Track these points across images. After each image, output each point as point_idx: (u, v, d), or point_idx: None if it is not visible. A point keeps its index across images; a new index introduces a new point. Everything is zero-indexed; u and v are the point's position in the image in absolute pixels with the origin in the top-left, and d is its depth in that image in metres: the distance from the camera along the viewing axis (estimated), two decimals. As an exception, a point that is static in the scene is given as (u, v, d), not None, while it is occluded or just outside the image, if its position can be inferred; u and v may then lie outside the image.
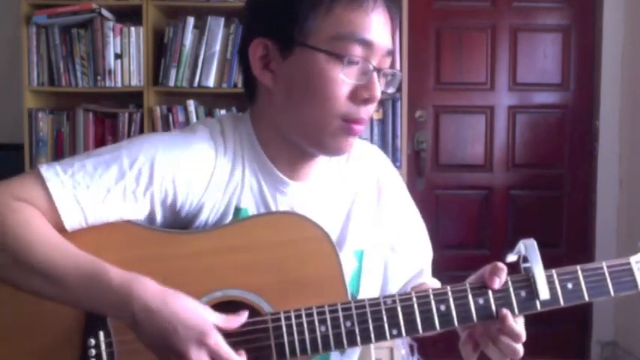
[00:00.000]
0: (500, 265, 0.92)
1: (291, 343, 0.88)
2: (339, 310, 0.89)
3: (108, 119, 2.82)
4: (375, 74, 0.93)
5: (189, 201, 0.96)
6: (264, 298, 0.92)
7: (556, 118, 3.27)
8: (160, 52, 2.77)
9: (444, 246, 3.22)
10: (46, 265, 0.85)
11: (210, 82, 2.74)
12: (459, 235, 3.28)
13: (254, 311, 0.91)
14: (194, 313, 0.84)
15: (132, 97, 2.80)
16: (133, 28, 2.73)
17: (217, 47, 2.73)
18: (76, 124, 2.80)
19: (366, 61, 0.93)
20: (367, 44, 0.92)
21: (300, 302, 0.90)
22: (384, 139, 2.82)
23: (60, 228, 0.89)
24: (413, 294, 0.90)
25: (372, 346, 1.12)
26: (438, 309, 0.89)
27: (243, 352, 0.86)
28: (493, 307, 0.90)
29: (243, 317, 0.88)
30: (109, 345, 0.90)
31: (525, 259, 0.92)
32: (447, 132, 3.25)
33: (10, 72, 2.92)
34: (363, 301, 0.90)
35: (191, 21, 2.73)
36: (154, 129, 2.75)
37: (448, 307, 0.90)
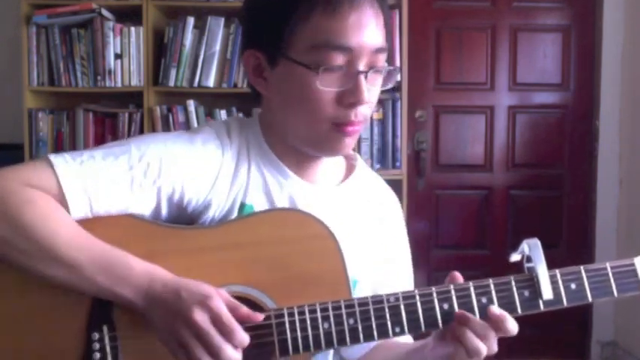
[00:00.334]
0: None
1: (294, 339, 0.88)
2: (342, 307, 0.89)
3: (108, 119, 2.83)
4: (361, 77, 0.93)
5: (195, 198, 0.96)
6: (268, 294, 0.92)
7: (556, 118, 3.27)
8: (160, 52, 2.77)
9: (444, 246, 3.22)
10: (68, 255, 0.86)
11: (210, 82, 2.74)
12: (459, 235, 3.28)
13: (257, 307, 0.91)
14: (203, 285, 0.85)
15: (132, 97, 2.80)
16: (133, 28, 2.73)
17: (217, 47, 2.73)
18: (76, 124, 2.80)
19: (350, 66, 0.93)
20: (347, 50, 0.92)
21: (303, 299, 0.90)
22: (384, 139, 2.83)
23: None
24: (416, 292, 0.90)
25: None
26: (441, 307, 0.89)
27: (246, 333, 0.85)
28: (496, 306, 0.90)
29: (254, 317, 0.87)
30: (113, 339, 0.89)
31: (529, 259, 0.92)
32: (447, 132, 3.25)
33: (10, 72, 2.91)
34: (366, 298, 0.90)
35: (191, 21, 2.73)
36: (153, 129, 2.75)
37: (451, 306, 0.89)
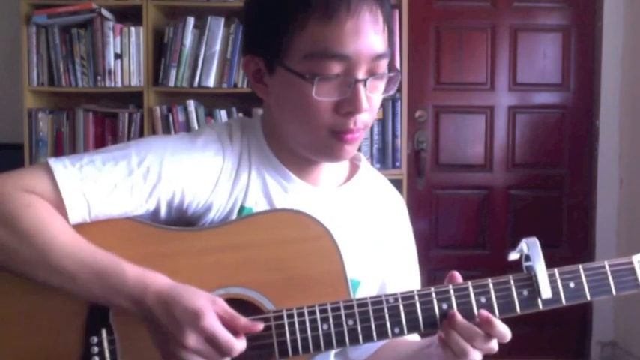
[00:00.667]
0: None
1: (294, 341, 0.88)
2: (342, 308, 0.89)
3: (108, 119, 2.83)
4: (359, 86, 0.90)
5: (196, 202, 0.96)
6: (267, 295, 0.92)
7: (556, 118, 3.27)
8: (160, 52, 2.77)
9: (444, 246, 3.22)
10: (63, 262, 0.85)
11: (210, 82, 2.74)
12: (459, 235, 3.28)
13: (256, 309, 0.91)
14: (196, 299, 0.83)
15: (132, 97, 2.80)
16: (133, 28, 2.73)
17: (217, 47, 2.73)
18: (76, 124, 2.80)
19: (348, 74, 0.90)
20: (344, 58, 0.89)
21: (303, 300, 0.90)
22: (384, 139, 2.83)
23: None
24: (415, 292, 0.90)
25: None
26: (440, 307, 0.89)
27: (243, 337, 0.85)
28: (495, 306, 0.90)
29: (252, 327, 0.86)
30: (111, 342, 0.90)
31: (527, 258, 0.92)
32: (447, 132, 3.25)
33: (10, 72, 2.92)
34: (365, 299, 0.90)
35: (191, 21, 2.73)
36: (153, 129, 2.75)
37: (450, 306, 0.89)
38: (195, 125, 2.74)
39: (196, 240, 0.94)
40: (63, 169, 0.89)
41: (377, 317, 0.89)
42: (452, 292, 0.90)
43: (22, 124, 2.74)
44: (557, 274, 0.91)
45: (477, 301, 0.90)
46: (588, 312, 3.24)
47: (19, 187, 0.87)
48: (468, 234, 3.28)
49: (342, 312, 0.89)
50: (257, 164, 1.01)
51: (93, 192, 0.89)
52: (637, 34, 3.07)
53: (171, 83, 2.73)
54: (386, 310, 0.89)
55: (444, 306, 0.89)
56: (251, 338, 0.86)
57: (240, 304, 0.90)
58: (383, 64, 0.93)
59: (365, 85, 0.91)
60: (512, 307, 0.90)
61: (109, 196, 0.90)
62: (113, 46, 2.71)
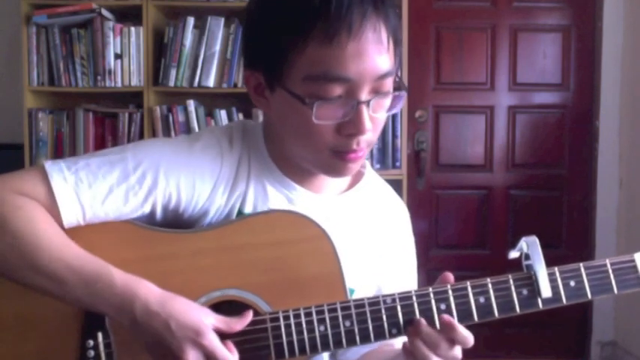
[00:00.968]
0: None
1: (290, 343, 0.88)
2: (338, 309, 0.88)
3: (108, 119, 2.83)
4: (362, 107, 0.87)
5: (192, 206, 0.95)
6: (263, 297, 0.91)
7: (556, 118, 3.27)
8: (160, 52, 2.77)
9: (444, 246, 3.22)
10: (51, 267, 0.85)
11: (210, 82, 2.74)
12: (459, 235, 3.27)
13: (253, 311, 0.90)
14: (191, 314, 0.84)
15: (132, 97, 2.80)
16: (133, 28, 2.73)
17: (217, 47, 2.73)
18: (76, 124, 2.80)
19: (350, 96, 0.87)
20: (346, 80, 0.86)
21: (299, 301, 0.89)
22: (384, 139, 2.82)
23: (57, 223, 0.89)
24: (413, 293, 0.90)
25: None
26: (438, 308, 0.89)
27: (235, 351, 0.86)
28: (494, 306, 0.89)
29: (246, 320, 0.88)
30: (107, 346, 0.89)
31: (527, 257, 0.91)
32: (447, 132, 3.25)
33: (10, 72, 2.92)
34: (362, 300, 0.89)
35: (191, 21, 2.73)
36: (153, 129, 2.75)
37: (448, 306, 0.89)
38: (195, 125, 2.74)
39: (192, 242, 0.93)
40: (58, 172, 0.89)
41: (374, 318, 0.88)
42: (450, 292, 0.89)
43: (22, 124, 2.74)
44: (557, 273, 0.90)
45: (476, 300, 0.89)
46: (588, 312, 3.24)
47: (13, 190, 0.87)
48: (468, 234, 3.28)
49: (339, 313, 0.88)
50: (257, 171, 0.99)
51: (87, 196, 0.89)
52: (637, 34, 3.07)
53: (171, 83, 2.73)
54: (383, 311, 0.88)
55: (442, 306, 0.89)
56: (247, 340, 0.86)
57: (237, 307, 0.90)
58: (388, 83, 0.90)
59: (368, 105, 0.88)
60: (511, 307, 0.89)
61: (104, 201, 0.90)
62: (113, 46, 2.71)
